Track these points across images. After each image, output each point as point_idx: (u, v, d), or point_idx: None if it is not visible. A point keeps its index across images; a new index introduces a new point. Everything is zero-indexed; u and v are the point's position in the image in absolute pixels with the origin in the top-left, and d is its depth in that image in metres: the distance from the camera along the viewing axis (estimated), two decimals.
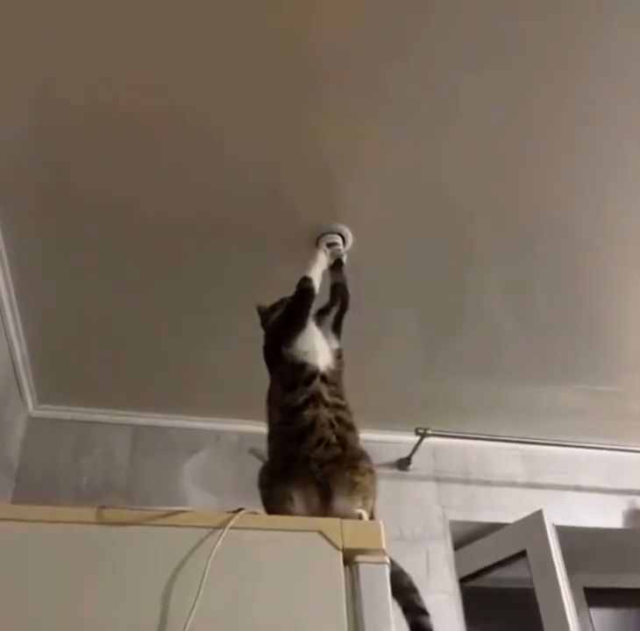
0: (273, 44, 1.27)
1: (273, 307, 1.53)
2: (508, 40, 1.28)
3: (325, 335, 1.44)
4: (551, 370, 2.22)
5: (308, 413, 1.27)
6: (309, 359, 1.35)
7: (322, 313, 1.51)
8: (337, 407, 1.30)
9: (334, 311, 1.53)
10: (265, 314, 1.54)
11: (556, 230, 1.71)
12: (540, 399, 2.33)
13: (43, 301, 1.85)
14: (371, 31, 1.25)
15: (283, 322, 1.46)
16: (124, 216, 1.61)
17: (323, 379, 1.33)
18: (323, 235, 1.62)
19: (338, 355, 1.42)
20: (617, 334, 2.07)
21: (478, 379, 2.24)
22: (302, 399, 1.29)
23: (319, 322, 1.46)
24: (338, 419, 1.28)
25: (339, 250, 1.62)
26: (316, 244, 1.63)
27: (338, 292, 1.57)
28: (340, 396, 1.34)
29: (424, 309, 1.94)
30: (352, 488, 1.20)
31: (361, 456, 1.27)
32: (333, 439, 1.25)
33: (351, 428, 1.30)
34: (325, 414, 1.27)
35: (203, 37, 1.25)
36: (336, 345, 1.44)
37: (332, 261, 1.62)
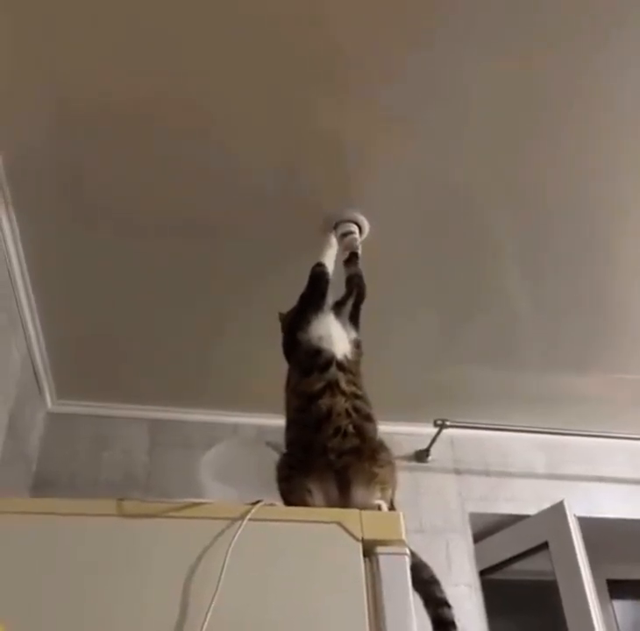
0: (288, 35, 1.26)
1: (291, 311, 1.53)
2: (524, 30, 1.27)
3: (343, 324, 1.44)
4: (571, 357, 2.19)
5: (324, 401, 1.25)
6: (325, 345, 1.34)
7: (339, 304, 1.50)
8: (355, 396, 1.29)
9: (351, 302, 1.53)
10: (283, 319, 1.54)
11: (572, 214, 1.69)
12: (560, 387, 2.30)
13: (60, 298, 1.86)
14: (391, 19, 1.24)
15: (299, 308, 1.48)
16: (138, 213, 1.62)
17: (340, 366, 1.32)
18: (338, 224, 1.62)
19: (357, 345, 1.41)
20: (638, 319, 2.03)
21: (496, 368, 2.22)
22: (318, 386, 1.28)
23: (337, 313, 1.46)
24: (356, 409, 1.27)
25: (355, 239, 1.61)
26: (332, 232, 1.63)
27: (354, 283, 1.57)
28: (358, 386, 1.32)
29: (442, 298, 1.93)
30: (371, 479, 1.18)
31: (380, 447, 1.25)
32: (350, 429, 1.23)
33: (368, 418, 1.28)
34: (342, 403, 1.26)
35: (217, 26, 1.24)
36: (354, 335, 1.44)
37: (348, 254, 1.62)
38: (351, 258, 1.61)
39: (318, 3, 1.21)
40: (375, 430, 1.28)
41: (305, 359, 1.35)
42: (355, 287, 1.56)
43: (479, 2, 1.22)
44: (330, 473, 1.18)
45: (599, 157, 1.54)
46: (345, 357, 1.34)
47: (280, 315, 1.55)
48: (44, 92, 1.34)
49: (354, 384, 1.31)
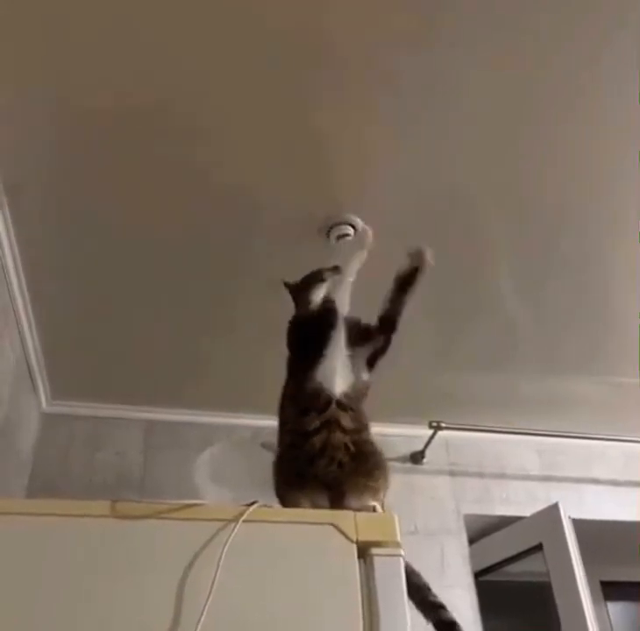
0: (287, 40, 1.26)
1: (305, 283, 1.44)
2: (523, 34, 1.27)
3: (355, 363, 1.31)
4: (567, 361, 2.19)
5: (319, 437, 1.20)
6: (326, 385, 1.25)
7: (360, 337, 1.35)
8: (356, 431, 1.23)
9: (377, 344, 1.38)
10: (294, 290, 1.46)
11: (571, 219, 1.70)
12: (555, 390, 2.31)
13: (55, 298, 1.86)
14: (390, 22, 1.24)
15: (303, 345, 1.35)
16: (135, 212, 1.61)
17: (340, 404, 1.24)
18: (334, 226, 1.61)
19: (366, 386, 1.32)
20: (634, 323, 2.04)
21: (492, 370, 2.22)
22: (313, 425, 1.22)
23: (353, 346, 1.32)
24: (355, 442, 1.22)
25: (426, 254, 1.41)
26: (327, 235, 1.62)
27: (391, 325, 1.40)
28: (360, 420, 1.26)
29: (438, 301, 1.93)
30: (365, 491, 1.17)
31: (376, 465, 1.23)
32: (347, 459, 1.20)
33: (368, 443, 1.24)
34: (340, 437, 1.21)
35: (217, 33, 1.24)
36: (365, 377, 1.33)
37: (410, 270, 1.41)
38: (406, 283, 1.41)
39: (318, 9, 1.21)
40: (374, 451, 1.24)
41: (303, 397, 1.27)
42: (390, 330, 1.39)
43: (480, 6, 1.22)
44: (324, 488, 1.17)
45: (598, 163, 1.55)
46: (347, 396, 1.26)
47: (288, 285, 1.47)
48: (43, 96, 1.34)
49: (356, 419, 1.25)
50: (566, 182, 1.60)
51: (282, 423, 1.32)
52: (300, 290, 1.46)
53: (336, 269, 1.46)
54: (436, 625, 1.16)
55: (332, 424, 1.21)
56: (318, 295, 1.42)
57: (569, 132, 1.48)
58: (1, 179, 1.49)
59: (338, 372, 1.28)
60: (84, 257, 1.73)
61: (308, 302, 1.42)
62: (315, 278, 1.45)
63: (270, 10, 1.21)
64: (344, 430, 1.22)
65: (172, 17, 1.21)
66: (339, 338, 1.32)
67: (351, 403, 1.26)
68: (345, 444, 1.21)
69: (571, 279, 1.88)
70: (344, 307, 1.40)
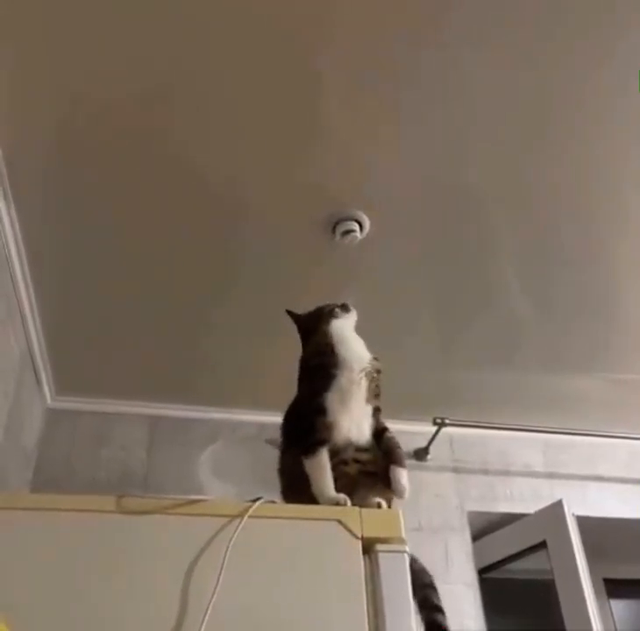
0: (291, 35, 1.27)
1: (316, 316, 1.37)
2: (535, 34, 1.28)
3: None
4: (571, 358, 2.19)
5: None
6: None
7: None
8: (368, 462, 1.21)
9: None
10: (301, 321, 1.40)
11: (575, 217, 1.70)
12: (560, 387, 2.31)
13: (59, 293, 1.86)
14: (402, 18, 1.24)
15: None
16: (136, 209, 1.62)
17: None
18: (339, 222, 1.61)
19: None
20: (638, 320, 2.04)
21: (496, 367, 2.22)
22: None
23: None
24: (364, 472, 1.20)
25: None
26: (332, 231, 1.62)
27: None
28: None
29: (442, 297, 1.93)
30: (372, 490, 1.17)
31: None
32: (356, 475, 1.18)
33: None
34: (350, 471, 1.18)
35: (216, 26, 1.24)
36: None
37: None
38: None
39: (326, 3, 1.21)
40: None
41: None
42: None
43: (492, 5, 1.23)
44: None
45: (605, 162, 1.55)
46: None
47: (291, 313, 1.42)
48: (44, 87, 1.34)
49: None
50: (572, 181, 1.60)
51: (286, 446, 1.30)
52: (308, 322, 1.38)
53: (344, 307, 1.39)
54: (427, 624, 1.14)
55: (340, 464, 1.18)
56: (331, 332, 1.32)
57: (577, 132, 1.48)
58: (6, 172, 1.49)
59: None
60: (88, 254, 1.73)
61: (324, 334, 1.32)
62: (326, 312, 1.37)
63: (274, 7, 1.21)
64: (356, 461, 1.20)
65: (172, 13, 1.22)
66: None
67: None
68: (355, 476, 1.19)
69: (575, 276, 1.88)
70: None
